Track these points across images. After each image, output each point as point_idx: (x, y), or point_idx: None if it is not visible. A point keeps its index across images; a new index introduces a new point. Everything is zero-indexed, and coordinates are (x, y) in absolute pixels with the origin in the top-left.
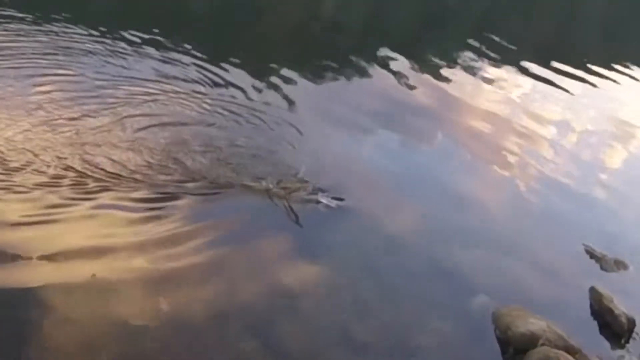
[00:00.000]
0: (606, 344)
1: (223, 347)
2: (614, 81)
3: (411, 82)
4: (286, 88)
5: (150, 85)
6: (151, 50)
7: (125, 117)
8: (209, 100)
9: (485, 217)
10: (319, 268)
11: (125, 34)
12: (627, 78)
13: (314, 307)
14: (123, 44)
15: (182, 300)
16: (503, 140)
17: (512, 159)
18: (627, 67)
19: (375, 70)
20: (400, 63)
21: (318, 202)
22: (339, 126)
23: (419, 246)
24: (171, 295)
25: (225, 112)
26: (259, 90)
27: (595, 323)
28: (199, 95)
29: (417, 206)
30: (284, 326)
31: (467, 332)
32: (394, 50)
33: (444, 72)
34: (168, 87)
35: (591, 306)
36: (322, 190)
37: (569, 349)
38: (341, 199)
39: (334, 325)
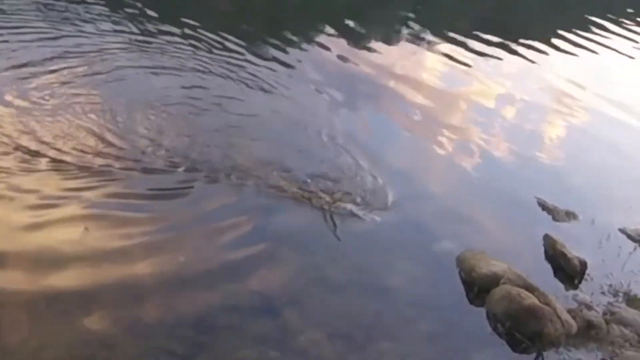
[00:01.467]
0: (561, 285)
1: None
2: (557, 51)
3: (352, 57)
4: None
5: None
6: None
7: None
8: None
9: (446, 177)
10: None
11: None
12: (568, 48)
13: (292, 252)
14: None
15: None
16: (449, 110)
17: (460, 127)
18: (568, 39)
19: (314, 47)
20: (341, 39)
21: None
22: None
23: (387, 200)
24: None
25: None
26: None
27: (549, 266)
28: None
29: (382, 165)
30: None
31: (434, 274)
32: (333, 25)
33: (385, 47)
34: None
35: (545, 251)
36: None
37: (528, 287)
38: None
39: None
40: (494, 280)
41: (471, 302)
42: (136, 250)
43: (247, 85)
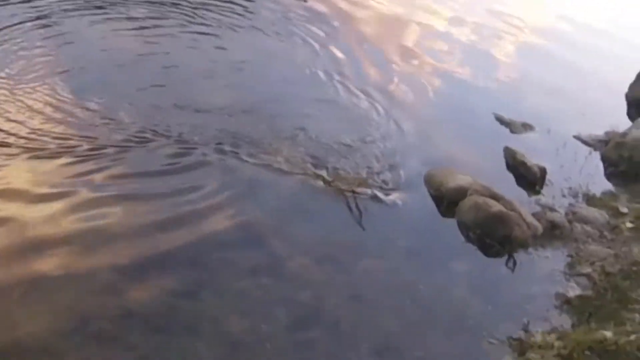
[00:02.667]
0: (524, 192)
1: None
2: None
3: None
4: None
5: None
6: None
7: None
8: None
9: (405, 99)
10: None
11: None
12: None
13: (270, 189)
14: None
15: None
16: (403, 34)
17: (415, 50)
18: None
19: None
20: None
21: None
22: None
23: (351, 127)
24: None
25: None
26: None
27: (512, 176)
28: None
29: (339, 91)
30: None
31: (404, 193)
32: None
33: None
34: None
35: (507, 162)
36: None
37: (494, 196)
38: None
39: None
40: (462, 193)
41: (442, 215)
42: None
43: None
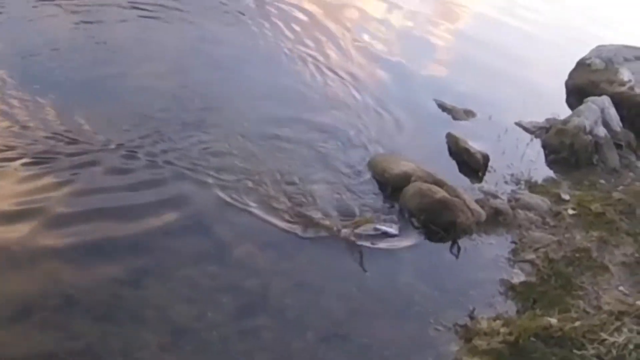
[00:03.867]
0: (467, 178)
1: None
2: None
3: None
4: None
5: None
6: None
7: None
8: None
9: (344, 88)
10: None
11: None
12: None
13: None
14: None
15: None
16: (338, 20)
17: (352, 37)
18: None
19: None
20: None
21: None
22: None
23: (294, 113)
24: None
25: None
26: None
27: (455, 162)
28: None
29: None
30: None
31: (349, 179)
32: None
33: None
34: None
35: (449, 149)
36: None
37: (438, 183)
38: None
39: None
40: (405, 179)
41: (386, 200)
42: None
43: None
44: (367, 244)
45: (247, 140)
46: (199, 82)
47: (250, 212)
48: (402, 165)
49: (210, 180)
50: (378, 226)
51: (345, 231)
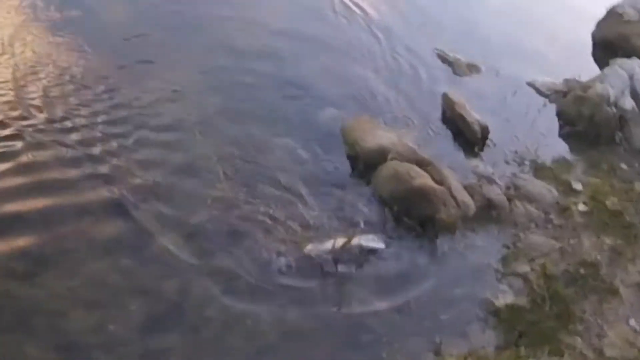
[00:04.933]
0: (460, 154)
1: None
2: None
3: None
4: None
5: None
6: None
7: None
8: None
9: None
10: None
11: None
12: None
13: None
14: None
15: None
16: None
17: None
18: None
19: None
20: None
21: None
22: None
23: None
24: None
25: None
26: None
27: (448, 131)
28: None
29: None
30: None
31: (316, 149)
32: None
33: None
34: None
35: (443, 113)
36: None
37: (420, 162)
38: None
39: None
40: (381, 156)
41: (356, 181)
42: None
43: None
44: (351, 269)
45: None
46: None
47: (186, 196)
48: (379, 136)
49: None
50: (363, 243)
51: (318, 251)
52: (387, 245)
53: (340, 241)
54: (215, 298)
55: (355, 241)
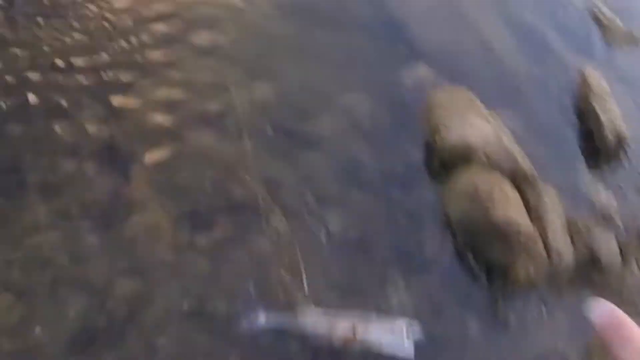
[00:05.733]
0: (578, 167)
1: None
2: None
3: None
4: None
5: None
6: None
7: None
8: None
9: None
10: None
11: None
12: None
13: None
14: None
15: None
16: None
17: None
18: None
19: None
20: None
21: None
22: None
23: None
24: None
25: None
26: None
27: (573, 129)
28: None
29: None
30: None
31: (386, 121)
32: None
33: None
34: None
35: (575, 104)
36: None
37: (516, 175)
38: None
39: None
40: (464, 156)
41: (424, 184)
42: None
43: None
44: None
45: None
46: None
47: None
48: (469, 125)
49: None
50: (375, 340)
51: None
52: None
53: (341, 327)
54: None
55: (363, 332)
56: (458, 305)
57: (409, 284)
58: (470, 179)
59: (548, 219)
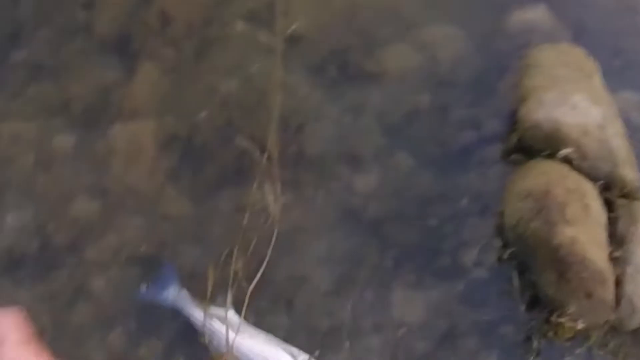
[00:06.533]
0: None
1: None
2: None
3: None
4: None
5: None
6: None
7: None
8: None
9: None
10: None
11: None
12: None
13: None
14: None
15: None
16: None
17: None
18: None
19: None
20: None
21: None
22: None
23: None
24: None
25: None
26: None
27: None
28: None
29: None
30: None
31: (468, 74)
32: None
33: None
34: None
35: None
36: None
37: (613, 185)
38: None
39: None
40: (549, 142)
41: (494, 167)
42: None
43: None
44: None
45: None
46: None
47: None
48: (572, 105)
49: None
50: None
51: None
52: None
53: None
54: None
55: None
56: (478, 333)
57: (424, 288)
58: (544, 177)
59: (633, 252)
